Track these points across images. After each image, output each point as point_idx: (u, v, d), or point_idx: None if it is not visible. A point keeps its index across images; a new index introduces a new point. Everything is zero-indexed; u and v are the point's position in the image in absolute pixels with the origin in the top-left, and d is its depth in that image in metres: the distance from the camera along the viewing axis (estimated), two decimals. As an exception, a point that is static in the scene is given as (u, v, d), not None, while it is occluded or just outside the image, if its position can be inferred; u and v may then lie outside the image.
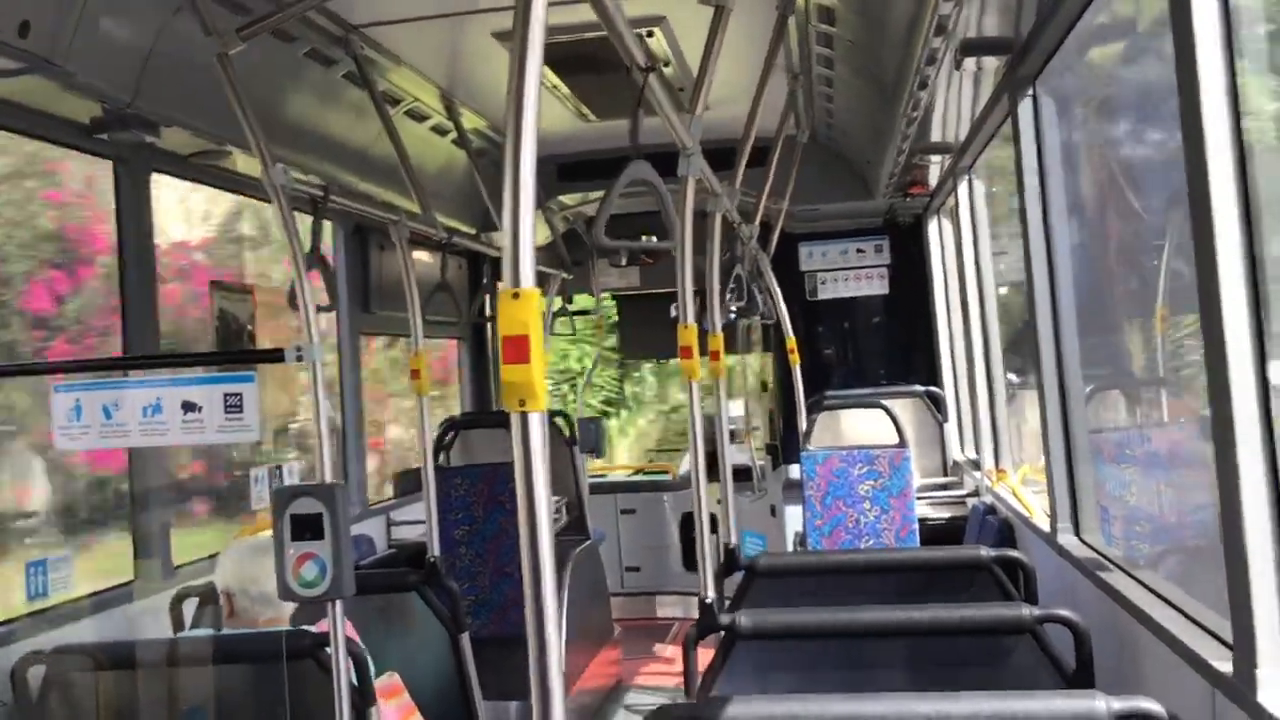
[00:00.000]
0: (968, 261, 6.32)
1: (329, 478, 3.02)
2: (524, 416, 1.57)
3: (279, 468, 4.16)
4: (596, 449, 7.87)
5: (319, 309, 5.25)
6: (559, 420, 7.26)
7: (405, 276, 4.49)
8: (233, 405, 2.98)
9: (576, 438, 7.24)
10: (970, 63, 4.39)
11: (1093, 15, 3.50)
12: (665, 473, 9.92)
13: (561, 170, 7.50)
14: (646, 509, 9.12)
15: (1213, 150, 2.30)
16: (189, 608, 3.74)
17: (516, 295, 1.56)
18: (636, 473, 10.37)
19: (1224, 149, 2.30)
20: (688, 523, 8.91)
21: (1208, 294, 2.32)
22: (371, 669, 3.62)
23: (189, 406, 2.99)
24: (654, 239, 6.29)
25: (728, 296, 5.78)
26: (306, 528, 2.84)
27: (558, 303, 8.79)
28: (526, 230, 1.56)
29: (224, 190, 4.99)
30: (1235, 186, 2.30)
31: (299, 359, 3.02)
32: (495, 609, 5.69)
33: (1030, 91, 4.18)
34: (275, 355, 3.08)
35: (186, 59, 3.69)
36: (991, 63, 4.41)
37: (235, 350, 4.51)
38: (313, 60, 4.60)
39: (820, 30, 4.74)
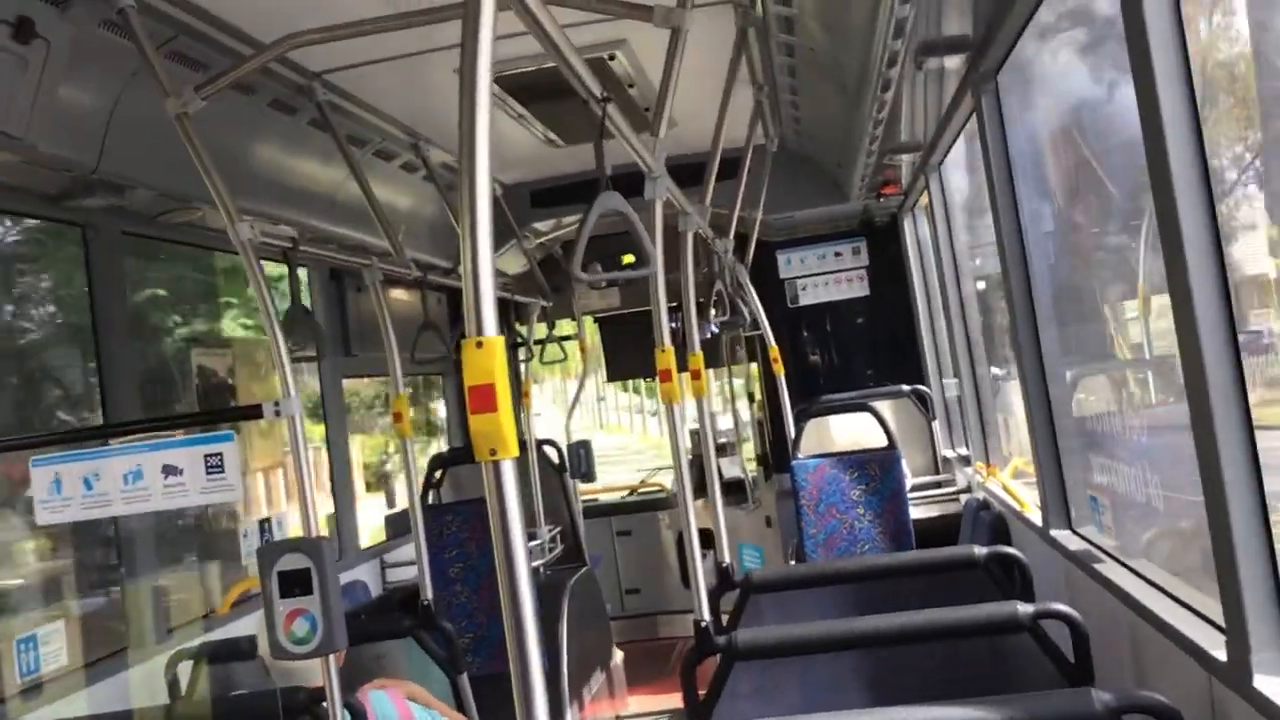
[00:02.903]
0: (944, 257, 6.34)
1: (314, 531, 3.01)
2: (496, 465, 1.57)
3: (267, 521, 4.13)
4: (587, 473, 7.84)
5: (308, 358, 5.25)
6: (548, 448, 7.23)
7: (381, 319, 4.48)
8: (214, 466, 2.96)
9: (566, 464, 7.22)
10: (933, 61, 4.41)
11: (1048, 9, 3.53)
12: (660, 491, 9.90)
13: (534, 197, 7.50)
14: (642, 530, 9.10)
15: (1170, 126, 2.31)
16: (184, 671, 3.72)
17: (480, 344, 1.56)
18: (631, 493, 10.33)
19: (1182, 124, 2.31)
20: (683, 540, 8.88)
21: (1176, 273, 2.33)
22: None
23: (170, 470, 2.97)
24: (633, 258, 6.29)
25: (711, 311, 5.78)
26: (295, 583, 2.83)
27: (541, 330, 8.78)
28: (486, 278, 1.56)
29: (194, 247, 4.98)
30: (1195, 162, 2.31)
31: (277, 414, 3.01)
32: (494, 644, 5.65)
33: (992, 86, 4.21)
34: (254, 412, 3.07)
35: (148, 120, 3.68)
36: (954, 59, 4.44)
37: (214, 410, 4.49)
38: (276, 110, 4.60)
39: (782, 40, 4.76)
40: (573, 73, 2.44)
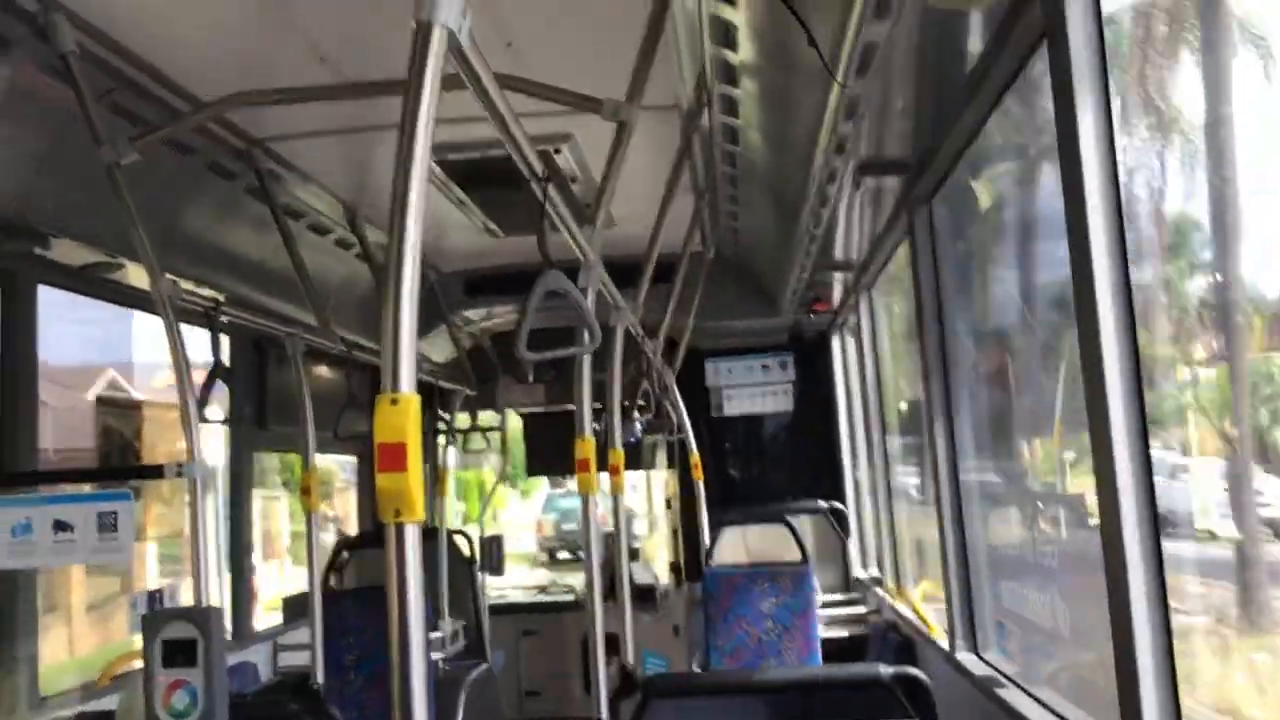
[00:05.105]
0: (869, 378, 6.41)
1: (206, 601, 2.89)
2: (399, 528, 1.51)
3: (159, 591, 3.96)
4: (497, 567, 7.70)
5: (220, 421, 5.12)
6: (459, 538, 7.10)
7: (299, 390, 4.40)
8: (107, 525, 2.85)
9: (477, 557, 7.08)
10: (870, 180, 4.51)
11: (985, 138, 3.63)
12: (570, 592, 9.75)
13: (468, 285, 7.48)
14: (548, 630, 8.93)
15: (1098, 263, 2.36)
16: None
17: (395, 401, 1.51)
18: (541, 591, 10.16)
19: (1108, 260, 2.36)
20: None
21: (1095, 410, 2.37)
22: None
23: (61, 526, 2.85)
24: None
25: (635, 414, 5.76)
26: (179, 653, 2.70)
27: (464, 420, 8.68)
28: (407, 334, 1.53)
29: (115, 304, 4.86)
30: (1120, 310, 2.36)
31: (179, 475, 2.91)
32: None
33: (926, 210, 4.30)
34: (155, 471, 2.97)
35: (80, 170, 3.62)
36: (891, 181, 4.53)
37: (113, 467, 4.34)
38: (214, 173, 4.55)
39: (725, 149, 4.84)
40: (518, 150, 2.44)
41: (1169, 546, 2.35)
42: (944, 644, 4.32)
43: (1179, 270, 3.08)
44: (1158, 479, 2.35)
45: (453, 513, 8.59)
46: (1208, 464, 3.11)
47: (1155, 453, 2.40)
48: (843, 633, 6.52)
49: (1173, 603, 2.32)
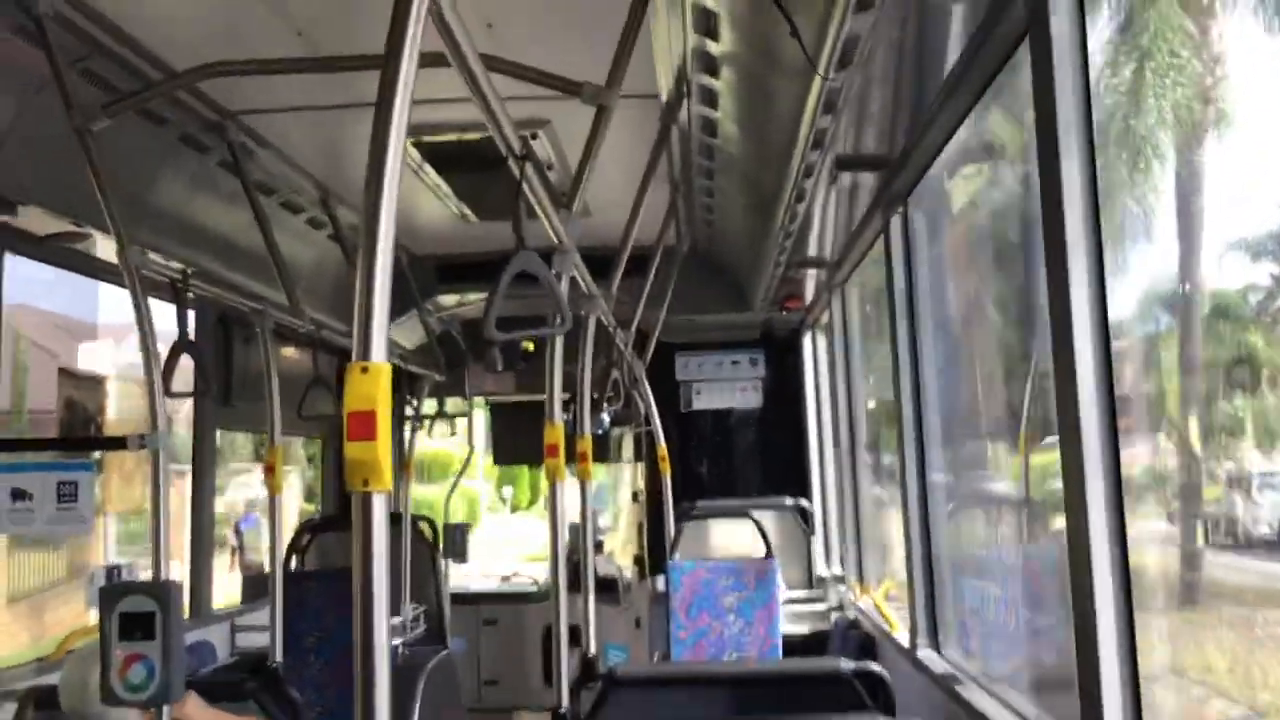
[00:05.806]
0: (839, 377, 6.41)
1: (165, 575, 2.86)
2: (366, 497, 1.50)
3: (118, 566, 3.92)
4: (461, 555, 7.66)
5: (185, 395, 5.06)
6: (423, 525, 7.07)
7: (265, 368, 4.36)
8: (66, 495, 2.81)
9: (440, 543, 7.04)
10: (846, 178, 4.50)
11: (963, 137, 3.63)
12: (533, 583, 9.73)
13: (441, 271, 7.43)
14: (510, 620, 8.90)
15: (1074, 266, 2.36)
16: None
17: (366, 370, 1.50)
18: (504, 581, 10.13)
19: (1085, 262, 2.36)
20: (550, 635, 8.70)
21: (1066, 416, 2.36)
22: None
23: (19, 494, 2.81)
24: (532, 347, 6.24)
25: (605, 404, 5.74)
26: (137, 627, 2.67)
27: (432, 405, 8.63)
28: (379, 302, 1.51)
29: (81, 274, 4.80)
30: (1094, 317, 2.36)
31: (142, 447, 2.87)
32: None
33: (902, 209, 4.30)
34: (118, 443, 2.93)
35: (51, 136, 3.57)
36: (867, 179, 4.53)
37: (75, 437, 4.29)
38: (186, 145, 4.50)
39: (702, 141, 4.82)
40: (496, 127, 2.41)
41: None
42: (905, 641, 4.33)
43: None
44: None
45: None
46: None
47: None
48: (804, 628, 6.54)
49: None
